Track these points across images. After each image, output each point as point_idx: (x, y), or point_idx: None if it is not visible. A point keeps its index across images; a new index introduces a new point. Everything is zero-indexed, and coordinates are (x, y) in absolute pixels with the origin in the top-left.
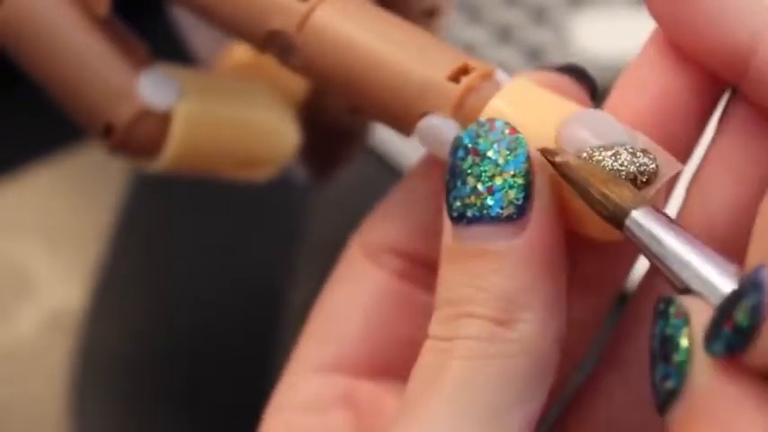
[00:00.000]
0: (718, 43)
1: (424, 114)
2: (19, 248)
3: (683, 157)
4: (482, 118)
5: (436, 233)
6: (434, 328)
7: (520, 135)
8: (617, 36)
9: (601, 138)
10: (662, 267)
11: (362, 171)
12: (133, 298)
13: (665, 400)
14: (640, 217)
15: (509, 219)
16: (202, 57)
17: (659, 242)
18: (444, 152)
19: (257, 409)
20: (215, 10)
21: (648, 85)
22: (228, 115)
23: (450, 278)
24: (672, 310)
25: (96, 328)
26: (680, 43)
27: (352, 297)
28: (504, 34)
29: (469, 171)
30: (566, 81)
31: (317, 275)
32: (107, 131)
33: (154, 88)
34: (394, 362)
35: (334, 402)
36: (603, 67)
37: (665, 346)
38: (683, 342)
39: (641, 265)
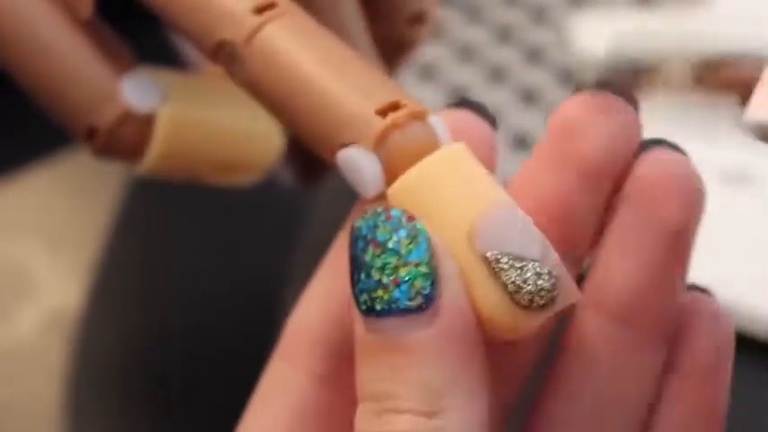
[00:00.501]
0: None
1: (346, 144)
2: (19, 248)
3: (586, 247)
4: (401, 186)
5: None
6: (360, 424)
7: (417, 222)
8: (617, 36)
9: (514, 248)
10: None
11: None
12: (131, 299)
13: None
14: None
15: (419, 309)
16: (191, 60)
17: None
18: (362, 185)
19: None
20: (173, 15)
21: (545, 185)
22: (212, 119)
23: (368, 372)
24: None
25: (94, 328)
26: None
27: (273, 414)
28: (504, 34)
29: (372, 263)
30: (466, 116)
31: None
32: (90, 134)
33: (137, 91)
34: None
35: None
36: (602, 64)
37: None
38: None
39: None
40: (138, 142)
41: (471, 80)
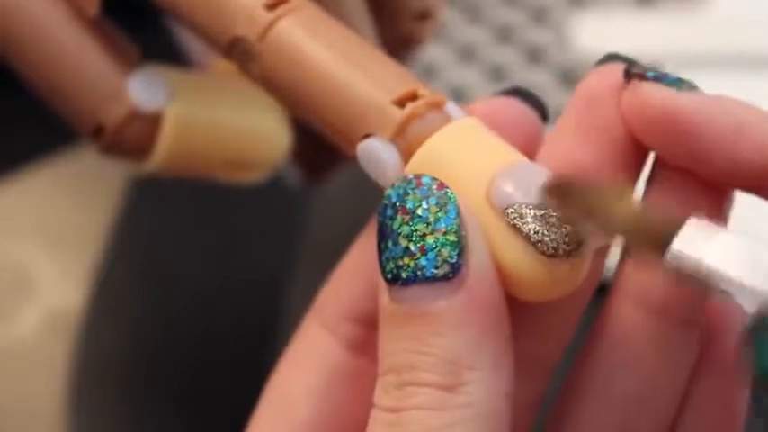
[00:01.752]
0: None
1: (366, 136)
2: (19, 248)
3: None
4: (417, 161)
5: None
6: (380, 396)
7: (448, 190)
8: (617, 36)
9: (530, 197)
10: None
11: (361, 173)
12: (131, 298)
13: None
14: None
15: (445, 278)
16: (196, 58)
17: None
18: (381, 176)
19: (254, 408)
20: (186, 13)
21: (572, 158)
22: (219, 117)
23: (391, 344)
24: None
25: (95, 328)
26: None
27: (305, 376)
28: (504, 34)
29: (400, 231)
30: (514, 104)
31: (314, 276)
32: (97, 133)
33: (144, 90)
34: None
35: None
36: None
37: None
38: None
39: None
40: (144, 141)
41: (471, 80)
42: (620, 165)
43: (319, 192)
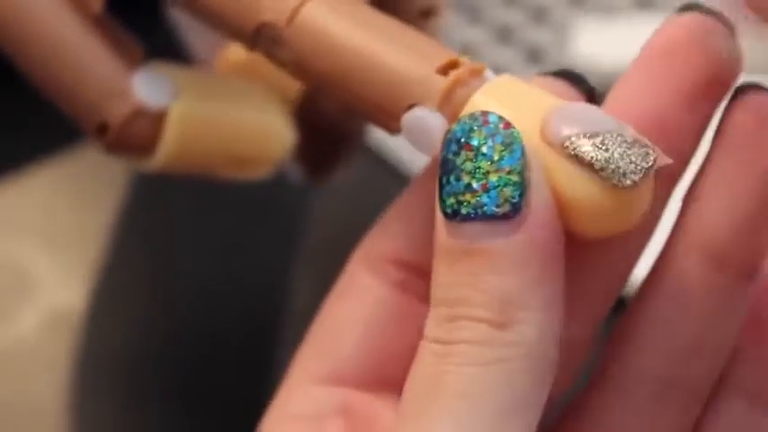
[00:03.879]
0: None
1: (410, 107)
2: (19, 248)
3: (679, 172)
4: (467, 113)
5: None
6: (430, 329)
7: (515, 130)
8: (617, 38)
9: (586, 126)
10: None
11: (360, 171)
12: (133, 297)
13: None
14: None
15: (505, 216)
16: (199, 56)
17: None
18: (429, 146)
19: (258, 408)
20: (207, 4)
21: (644, 98)
22: (223, 115)
23: (446, 277)
24: None
25: (97, 327)
26: None
27: (352, 310)
28: (504, 34)
29: (463, 167)
30: (562, 86)
31: (316, 275)
32: (101, 130)
33: (148, 87)
34: (393, 375)
35: (332, 414)
36: (604, 68)
37: None
38: None
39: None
40: (149, 138)
41: None
42: (689, 113)
43: (320, 191)
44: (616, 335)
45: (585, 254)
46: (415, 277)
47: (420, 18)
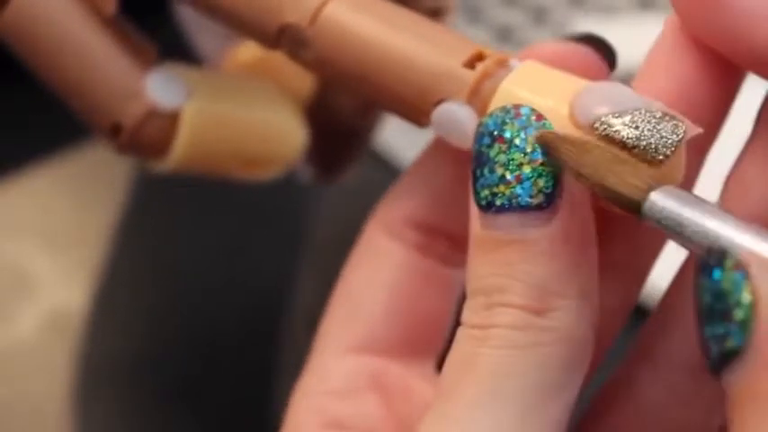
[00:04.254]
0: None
1: (439, 101)
2: (19, 248)
3: (707, 144)
4: (496, 104)
5: (455, 204)
6: (468, 315)
7: (547, 122)
8: (617, 38)
9: (615, 105)
10: (693, 246)
11: (365, 173)
12: (135, 298)
13: (722, 361)
14: (659, 199)
15: (539, 207)
16: (208, 56)
17: (685, 221)
18: (461, 139)
19: (260, 408)
20: (227, 6)
21: (671, 73)
22: (236, 115)
23: (481, 267)
24: (728, 263)
25: (98, 327)
26: (713, 44)
27: (374, 275)
28: (504, 34)
29: (496, 159)
30: (583, 51)
31: (320, 275)
32: (115, 131)
33: (162, 88)
34: (421, 340)
35: (365, 386)
36: None
37: (722, 302)
38: (746, 297)
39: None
40: (163, 139)
41: None
42: (717, 83)
43: (324, 193)
44: (654, 313)
45: (621, 228)
46: (435, 240)
47: (429, 18)
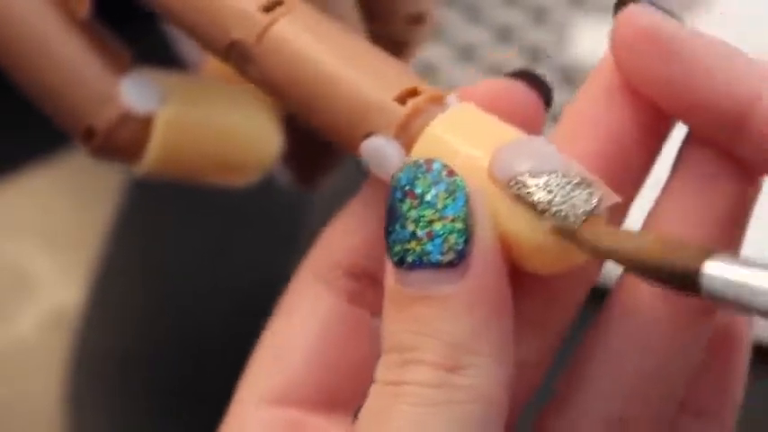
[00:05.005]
0: (711, 104)
1: (368, 134)
2: (19, 248)
3: (633, 191)
4: (417, 152)
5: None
6: (382, 372)
7: (458, 177)
8: None
9: (533, 165)
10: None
11: (357, 174)
12: (131, 298)
13: None
14: (715, 269)
15: (450, 264)
16: (192, 61)
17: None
18: (387, 174)
19: None
20: (181, 18)
21: (599, 123)
22: (211, 120)
23: (396, 324)
24: None
25: (94, 327)
26: (651, 93)
27: (300, 322)
28: (504, 34)
29: (408, 215)
30: (519, 88)
31: None
32: (88, 135)
33: (136, 92)
34: (344, 392)
35: None
36: None
37: None
38: None
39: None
40: (136, 143)
41: (471, 80)
42: (646, 129)
43: (314, 194)
44: (575, 358)
45: (537, 284)
46: (366, 287)
47: (408, 25)
